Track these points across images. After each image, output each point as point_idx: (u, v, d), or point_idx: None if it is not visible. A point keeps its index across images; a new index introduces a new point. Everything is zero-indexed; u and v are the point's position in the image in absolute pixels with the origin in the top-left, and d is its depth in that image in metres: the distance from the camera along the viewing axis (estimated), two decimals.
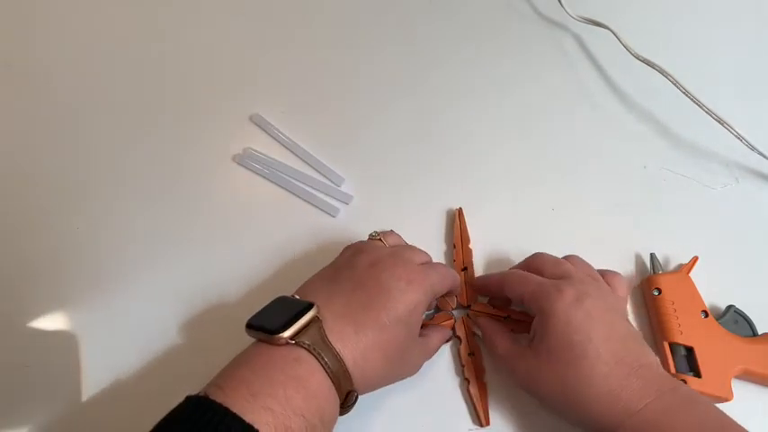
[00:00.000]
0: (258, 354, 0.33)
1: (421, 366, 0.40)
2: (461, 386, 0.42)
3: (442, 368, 0.43)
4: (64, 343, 0.44)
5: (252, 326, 0.34)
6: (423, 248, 0.45)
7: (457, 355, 0.43)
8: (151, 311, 0.45)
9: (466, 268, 0.45)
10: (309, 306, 0.34)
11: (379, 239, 0.41)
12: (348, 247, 0.40)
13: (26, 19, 0.56)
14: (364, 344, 0.34)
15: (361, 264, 0.37)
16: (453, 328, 0.43)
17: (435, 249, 0.46)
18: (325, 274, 0.39)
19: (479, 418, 0.41)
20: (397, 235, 0.43)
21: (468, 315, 0.44)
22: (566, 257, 0.42)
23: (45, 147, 0.51)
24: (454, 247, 0.45)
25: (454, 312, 0.44)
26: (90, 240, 0.47)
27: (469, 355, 0.42)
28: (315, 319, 0.33)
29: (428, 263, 0.40)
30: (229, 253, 0.46)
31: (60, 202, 0.48)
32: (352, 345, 0.34)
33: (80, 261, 0.46)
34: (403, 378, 0.39)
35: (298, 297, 0.36)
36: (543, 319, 0.37)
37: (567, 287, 0.37)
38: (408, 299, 0.35)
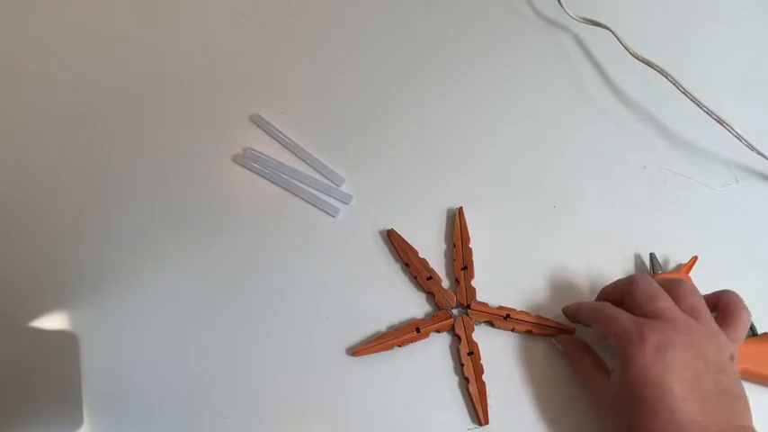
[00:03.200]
0: None
1: None
2: (460, 385, 0.42)
3: (440, 367, 0.43)
4: (64, 343, 0.44)
5: None
6: (422, 248, 0.45)
7: (456, 354, 0.43)
8: (151, 312, 0.45)
9: (466, 267, 0.45)
10: None
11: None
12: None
13: (27, 20, 0.56)
14: None
15: None
16: (453, 327, 0.43)
17: (435, 249, 0.46)
18: None
19: (478, 417, 0.41)
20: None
21: (467, 314, 0.44)
22: (671, 284, 0.38)
23: (45, 147, 0.51)
24: (454, 246, 0.46)
25: (454, 311, 0.44)
26: (90, 240, 0.47)
27: (468, 354, 0.42)
28: None
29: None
30: (229, 253, 0.46)
31: (60, 202, 0.49)
32: None
33: (80, 261, 0.46)
34: None
35: None
36: (621, 365, 0.35)
37: (650, 333, 0.34)
38: None
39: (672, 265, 0.46)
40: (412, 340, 0.43)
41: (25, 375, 0.43)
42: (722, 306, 0.38)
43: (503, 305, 0.44)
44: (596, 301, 0.42)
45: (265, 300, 0.45)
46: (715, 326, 0.36)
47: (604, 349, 0.41)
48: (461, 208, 0.47)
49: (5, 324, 0.45)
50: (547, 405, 0.42)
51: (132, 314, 0.45)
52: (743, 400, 0.34)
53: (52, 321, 0.45)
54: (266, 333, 0.44)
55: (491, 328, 0.44)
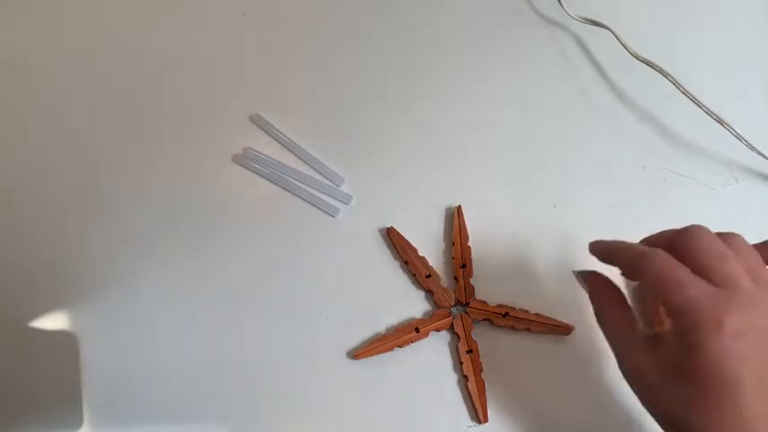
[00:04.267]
0: None
1: None
2: (459, 383, 0.42)
3: (440, 365, 0.43)
4: (64, 343, 0.44)
5: None
6: (422, 246, 0.45)
7: (455, 352, 0.43)
8: (151, 311, 0.45)
9: (465, 265, 0.45)
10: None
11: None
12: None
13: (26, 20, 0.56)
14: None
15: None
16: (452, 326, 0.43)
17: (435, 248, 0.46)
18: None
19: (477, 414, 0.41)
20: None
21: (466, 312, 0.44)
22: (728, 239, 0.31)
23: (45, 147, 0.51)
24: (453, 244, 0.46)
25: (452, 310, 0.44)
26: (90, 240, 0.47)
27: (468, 352, 0.42)
28: None
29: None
30: (229, 253, 0.47)
31: (60, 202, 0.49)
32: None
33: (80, 261, 0.46)
34: None
35: None
36: (689, 347, 0.29)
37: (730, 317, 0.28)
38: None
39: None
40: (412, 340, 0.43)
41: (25, 375, 0.44)
42: None
43: (502, 303, 0.44)
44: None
45: (265, 300, 0.45)
46: None
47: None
48: (460, 207, 0.47)
49: (5, 324, 0.45)
50: (546, 402, 0.42)
51: (132, 314, 0.45)
52: None
53: (52, 321, 0.45)
54: (266, 333, 0.44)
55: (490, 327, 0.44)
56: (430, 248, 0.46)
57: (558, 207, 0.48)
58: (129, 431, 0.42)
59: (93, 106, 0.52)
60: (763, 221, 0.48)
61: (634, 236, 0.46)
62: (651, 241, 0.34)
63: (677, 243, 0.31)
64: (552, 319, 0.43)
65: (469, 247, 0.45)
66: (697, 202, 0.48)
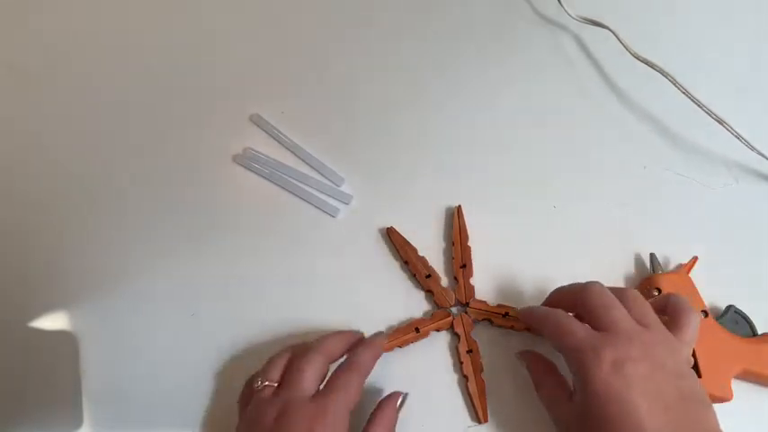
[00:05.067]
0: None
1: None
2: (460, 383, 0.42)
3: (440, 365, 0.43)
4: (64, 343, 0.44)
5: None
6: (422, 246, 0.45)
7: (455, 352, 0.43)
8: (151, 312, 0.45)
9: (465, 265, 0.45)
10: None
11: (265, 386, 0.37)
12: (242, 415, 0.38)
13: (26, 20, 0.56)
14: None
15: None
16: (452, 326, 0.43)
17: (435, 248, 0.46)
18: None
19: (478, 414, 0.41)
20: (281, 356, 0.39)
21: (466, 312, 0.44)
22: (618, 293, 0.37)
23: (45, 147, 0.51)
24: (453, 244, 0.46)
25: (452, 310, 0.44)
26: (90, 241, 0.47)
27: (468, 352, 0.42)
28: None
29: (327, 382, 0.37)
30: (229, 253, 0.47)
31: (60, 202, 0.49)
32: None
33: (80, 262, 0.47)
34: None
35: None
36: (581, 384, 0.34)
37: (605, 350, 0.34)
38: None
39: (672, 265, 0.46)
40: (411, 340, 0.43)
41: (25, 375, 0.44)
42: (670, 310, 0.38)
43: (502, 303, 0.44)
44: (547, 302, 0.42)
45: (265, 299, 0.45)
46: (667, 332, 0.36)
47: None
48: (460, 206, 0.47)
49: (5, 324, 0.45)
50: None
51: (132, 314, 0.45)
52: (705, 403, 0.34)
53: (52, 321, 0.45)
54: (266, 333, 0.44)
55: (490, 326, 0.44)
56: (430, 248, 0.46)
57: (558, 207, 0.48)
58: (128, 431, 0.42)
59: (93, 106, 0.52)
60: (763, 221, 0.48)
61: (634, 236, 0.47)
62: (561, 293, 0.41)
63: (576, 297, 0.38)
64: None
65: (469, 247, 0.45)
66: (697, 202, 0.48)
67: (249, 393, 0.38)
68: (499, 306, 0.44)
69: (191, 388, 0.43)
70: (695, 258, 0.44)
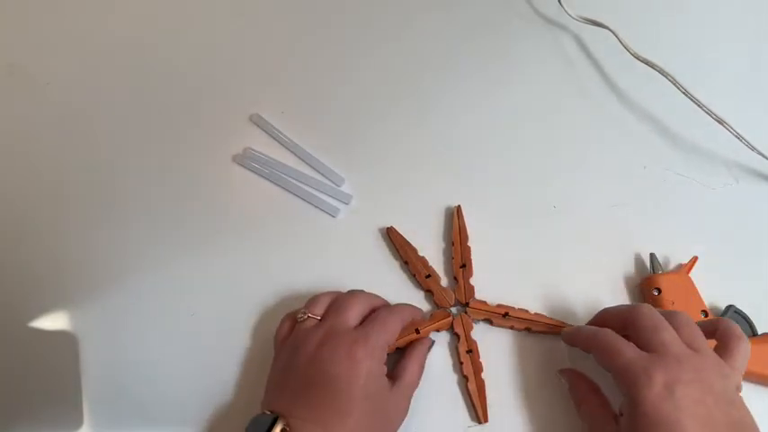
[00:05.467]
0: None
1: (409, 404, 0.40)
2: (459, 383, 0.42)
3: (440, 365, 0.43)
4: (64, 343, 0.44)
5: None
6: (422, 246, 0.45)
7: (455, 353, 0.43)
8: (151, 312, 0.45)
9: (465, 265, 0.45)
10: (275, 420, 0.34)
11: (308, 317, 0.40)
12: (283, 341, 0.40)
13: (27, 20, 0.56)
14: None
15: (300, 362, 0.37)
16: (452, 326, 0.43)
17: (435, 248, 0.46)
18: (275, 380, 0.39)
19: (478, 414, 0.41)
20: (325, 295, 0.42)
21: (466, 312, 0.44)
22: (668, 315, 0.38)
23: (45, 147, 0.51)
24: (453, 244, 0.46)
25: (452, 310, 0.44)
26: (90, 241, 0.47)
27: (468, 352, 0.42)
28: (284, 431, 0.34)
29: (366, 320, 0.40)
30: (230, 253, 0.47)
31: (60, 202, 0.49)
32: None
33: (80, 261, 0.47)
34: (396, 429, 0.39)
35: (266, 412, 0.36)
36: (630, 405, 0.34)
37: (657, 371, 0.34)
38: (358, 375, 0.36)
39: (672, 265, 0.46)
40: (412, 341, 0.43)
41: (25, 375, 0.44)
42: (720, 335, 0.38)
43: (501, 303, 0.44)
44: (594, 322, 0.42)
45: (265, 300, 0.45)
46: (717, 357, 0.36)
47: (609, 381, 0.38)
48: (459, 206, 0.47)
49: (5, 324, 0.45)
50: (546, 402, 0.42)
51: (132, 314, 0.45)
52: (754, 430, 0.34)
53: (52, 321, 0.45)
54: (266, 333, 0.44)
55: (490, 327, 0.44)
56: (430, 248, 0.46)
57: (558, 207, 0.48)
58: (128, 431, 0.42)
59: (93, 107, 0.52)
60: (763, 221, 0.48)
61: (634, 236, 0.47)
62: (608, 313, 0.41)
63: (625, 318, 0.38)
64: (552, 318, 0.43)
65: (469, 247, 0.45)
66: (697, 202, 0.48)
67: (289, 326, 0.41)
68: (499, 306, 0.44)
69: (191, 388, 0.43)
70: (695, 258, 0.44)
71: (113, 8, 0.56)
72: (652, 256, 0.45)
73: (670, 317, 0.37)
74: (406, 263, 0.45)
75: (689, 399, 0.33)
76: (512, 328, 0.43)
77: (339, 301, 0.40)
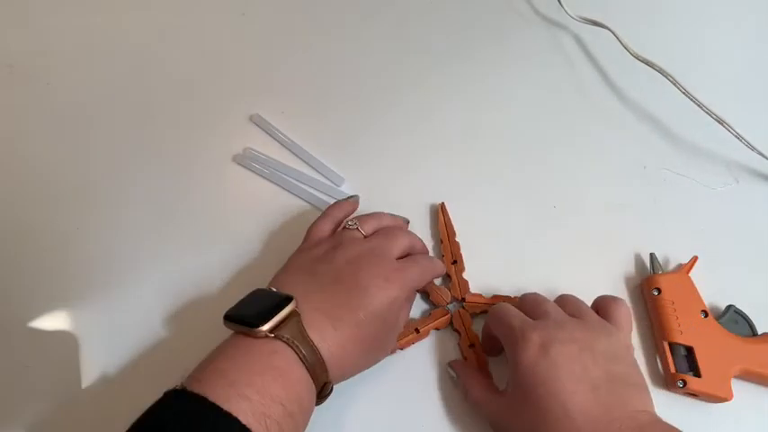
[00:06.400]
0: (236, 345, 0.33)
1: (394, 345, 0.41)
2: None
3: (444, 363, 0.43)
4: (64, 343, 0.44)
5: (230, 318, 0.34)
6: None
7: (458, 348, 0.43)
8: (151, 311, 0.45)
9: (456, 261, 0.45)
10: (288, 299, 0.34)
11: (357, 229, 0.41)
12: (323, 237, 0.41)
13: (27, 19, 0.56)
14: (341, 338, 0.35)
15: (339, 259, 0.37)
16: (451, 323, 0.43)
17: (434, 249, 0.47)
18: (301, 265, 0.39)
19: None
20: (377, 217, 0.43)
21: (463, 307, 0.44)
22: (558, 297, 0.40)
23: (45, 146, 0.51)
24: (441, 241, 0.46)
25: (449, 307, 0.44)
26: (90, 240, 0.47)
27: (470, 346, 0.42)
28: (293, 313, 0.34)
29: (409, 256, 0.41)
30: (229, 253, 0.46)
31: (60, 202, 0.49)
32: (329, 338, 0.34)
33: (80, 261, 0.46)
34: (380, 360, 0.40)
35: (274, 289, 0.36)
36: (512, 369, 0.36)
37: (533, 332, 0.35)
38: (385, 296, 0.36)
39: (672, 265, 0.46)
40: (413, 341, 0.43)
41: (25, 375, 0.43)
42: (597, 305, 0.40)
43: (497, 294, 0.44)
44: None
45: None
46: (601, 320, 0.37)
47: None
48: (443, 203, 0.47)
49: (5, 324, 0.45)
50: None
51: (132, 314, 0.45)
52: (639, 386, 0.34)
53: (52, 321, 0.45)
54: None
55: None
56: (430, 250, 0.46)
57: (558, 207, 0.48)
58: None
59: (93, 107, 0.52)
60: (763, 221, 0.48)
61: (634, 236, 0.47)
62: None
63: (520, 300, 0.41)
64: None
65: (458, 243, 0.45)
66: (697, 202, 0.48)
67: (330, 228, 0.42)
68: (494, 297, 0.44)
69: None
70: (695, 258, 0.44)
71: (113, 8, 0.56)
72: (652, 256, 0.45)
73: (559, 297, 0.40)
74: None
75: (564, 356, 0.34)
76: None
77: (389, 229, 0.42)
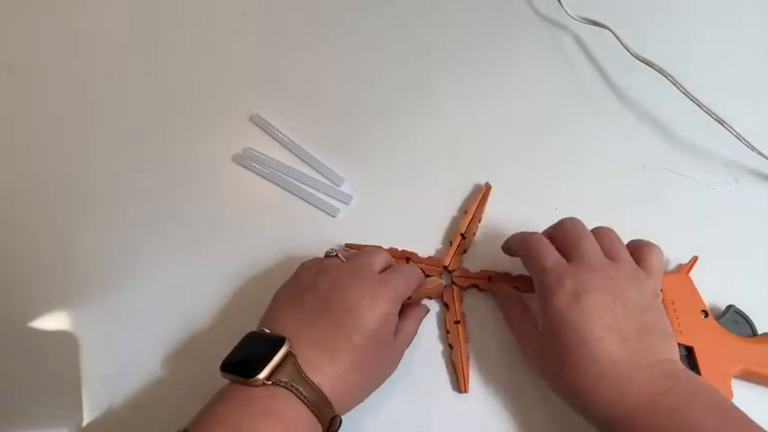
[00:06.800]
0: (235, 393, 0.33)
1: (401, 359, 0.40)
2: (444, 353, 0.43)
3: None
4: (63, 343, 0.44)
5: (226, 368, 0.34)
6: (421, 248, 0.45)
7: (443, 322, 0.43)
8: (151, 311, 0.45)
9: (465, 237, 0.45)
10: (281, 341, 0.34)
11: (336, 255, 0.41)
12: (308, 267, 0.40)
13: (27, 20, 0.56)
14: (341, 369, 0.34)
15: (323, 286, 0.37)
16: (442, 295, 0.44)
17: (434, 249, 0.46)
18: (287, 297, 0.39)
19: (459, 384, 0.41)
20: (352, 251, 0.44)
21: (453, 282, 0.44)
22: (595, 230, 0.39)
23: (45, 147, 0.51)
24: (465, 212, 0.46)
25: (442, 278, 0.44)
26: (90, 240, 0.47)
27: (455, 322, 0.43)
28: (288, 354, 0.33)
29: (390, 267, 0.41)
30: (230, 253, 0.47)
31: (60, 202, 0.49)
32: (329, 373, 0.34)
33: (80, 261, 0.46)
34: (385, 380, 0.39)
35: (267, 330, 0.35)
36: (542, 309, 0.36)
37: (568, 279, 0.35)
38: (377, 313, 0.36)
39: (672, 265, 0.46)
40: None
41: (25, 375, 0.43)
42: (631, 247, 0.39)
43: (485, 269, 0.44)
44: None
45: (265, 300, 0.45)
46: (635, 266, 0.37)
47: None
48: (488, 184, 0.47)
49: (5, 324, 0.45)
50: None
51: (132, 314, 0.45)
52: (666, 335, 0.35)
53: (52, 321, 0.45)
54: None
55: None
56: (429, 250, 0.46)
57: (560, 209, 0.48)
58: (128, 431, 0.42)
59: (93, 107, 0.52)
60: (763, 221, 0.48)
61: (634, 236, 0.46)
62: (542, 232, 0.41)
63: (554, 229, 0.40)
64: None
65: (479, 225, 0.46)
66: (697, 202, 0.48)
67: (315, 261, 0.41)
68: (482, 272, 0.44)
69: (191, 389, 0.43)
70: (695, 258, 0.44)
71: (113, 8, 0.56)
72: None
73: (594, 229, 0.39)
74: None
75: (596, 305, 0.34)
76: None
77: (365, 250, 0.42)
